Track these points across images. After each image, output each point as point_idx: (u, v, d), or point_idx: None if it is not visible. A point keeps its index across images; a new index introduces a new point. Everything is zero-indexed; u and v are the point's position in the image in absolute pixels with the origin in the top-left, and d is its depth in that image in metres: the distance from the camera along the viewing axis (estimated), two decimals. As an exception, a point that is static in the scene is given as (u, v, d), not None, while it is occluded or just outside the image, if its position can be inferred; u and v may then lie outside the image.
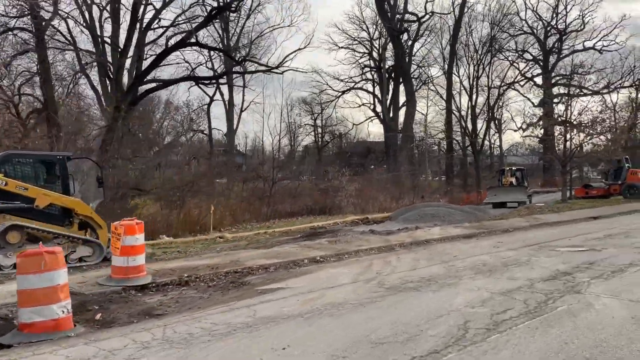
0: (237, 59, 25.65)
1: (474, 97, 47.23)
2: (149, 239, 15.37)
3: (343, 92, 51.82)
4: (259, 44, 39.16)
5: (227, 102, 45.29)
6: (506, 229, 15.64)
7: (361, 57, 48.95)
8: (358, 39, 47.57)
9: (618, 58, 55.89)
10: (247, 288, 7.64)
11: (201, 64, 29.05)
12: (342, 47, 47.92)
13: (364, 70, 49.44)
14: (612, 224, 16.79)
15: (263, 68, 24.87)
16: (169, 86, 22.80)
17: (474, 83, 47.27)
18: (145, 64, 22.40)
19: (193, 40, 21.48)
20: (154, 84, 21.51)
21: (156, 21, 22.40)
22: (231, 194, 24.42)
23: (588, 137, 26.42)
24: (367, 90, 50.27)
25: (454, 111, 47.02)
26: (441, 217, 19.11)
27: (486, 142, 49.54)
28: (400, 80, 45.60)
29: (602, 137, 27.49)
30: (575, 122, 26.45)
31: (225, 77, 27.72)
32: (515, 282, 7.29)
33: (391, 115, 46.90)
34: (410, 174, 38.60)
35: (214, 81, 25.33)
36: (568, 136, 28.15)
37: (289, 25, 32.87)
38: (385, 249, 11.85)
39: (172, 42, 20.50)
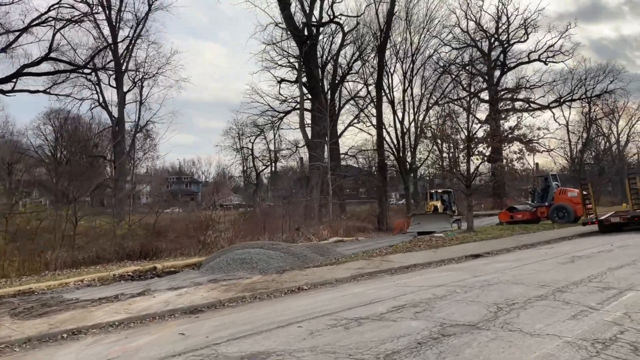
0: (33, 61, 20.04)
1: (401, 112, 42.22)
2: None
3: (286, 113, 46.70)
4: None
5: (116, 123, 39.32)
6: (290, 289, 10.00)
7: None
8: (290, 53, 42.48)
9: (567, 71, 52.27)
10: None
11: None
12: (282, 65, 42.86)
13: (281, 85, 44.23)
14: (476, 269, 11.31)
15: (70, 67, 19.27)
16: None
17: (400, 97, 42.41)
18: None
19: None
20: None
21: None
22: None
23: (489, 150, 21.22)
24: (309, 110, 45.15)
25: (384, 129, 41.90)
26: (253, 263, 13.48)
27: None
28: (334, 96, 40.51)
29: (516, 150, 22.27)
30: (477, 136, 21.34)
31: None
32: None
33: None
34: (317, 201, 32.97)
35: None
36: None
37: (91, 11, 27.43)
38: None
39: None
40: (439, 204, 32.30)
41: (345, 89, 46.05)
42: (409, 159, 42.15)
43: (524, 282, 9.08)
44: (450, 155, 22.92)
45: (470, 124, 22.15)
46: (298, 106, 43.86)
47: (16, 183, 55.95)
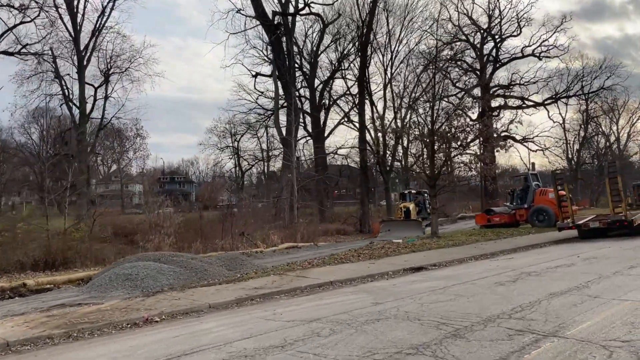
0: None
1: (383, 107, 39.89)
2: None
3: (275, 112, 44.33)
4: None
5: (77, 118, 37.01)
6: (131, 322, 7.67)
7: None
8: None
9: (563, 67, 49.52)
10: None
11: None
12: (263, 59, 40.55)
13: (256, 79, 41.77)
14: (391, 291, 8.94)
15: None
16: None
17: (381, 93, 40.08)
18: None
19: None
20: None
21: None
22: None
23: (452, 146, 18.84)
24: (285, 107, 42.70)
25: (367, 127, 39.38)
26: (138, 279, 11.14)
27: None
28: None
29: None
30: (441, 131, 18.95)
31: None
32: None
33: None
34: (286, 201, 30.56)
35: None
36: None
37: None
38: None
39: None
40: (411, 205, 29.97)
41: (332, 97, 43.74)
42: (389, 157, 39.78)
43: (422, 317, 6.67)
44: (415, 152, 20.51)
45: (434, 116, 19.73)
46: (285, 104, 41.34)
47: (3, 183, 54.18)
